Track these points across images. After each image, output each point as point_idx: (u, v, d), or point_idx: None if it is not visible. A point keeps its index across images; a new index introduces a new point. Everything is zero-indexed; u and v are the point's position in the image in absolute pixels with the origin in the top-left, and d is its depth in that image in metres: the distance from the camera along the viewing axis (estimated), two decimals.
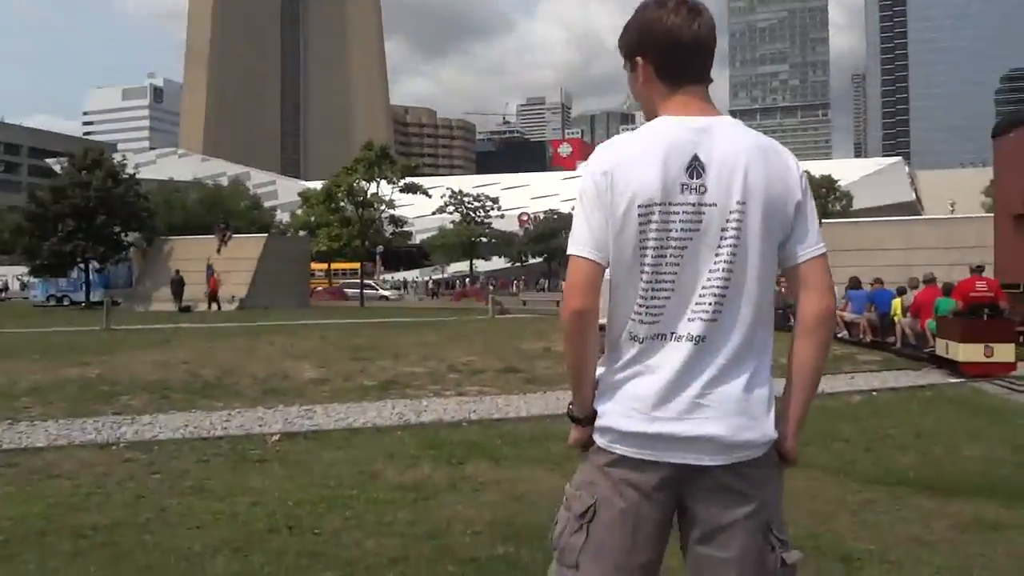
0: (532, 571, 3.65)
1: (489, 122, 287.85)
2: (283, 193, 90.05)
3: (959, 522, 4.48)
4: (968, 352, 10.92)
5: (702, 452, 1.70)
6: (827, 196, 53.54)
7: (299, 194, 54.62)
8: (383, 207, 43.73)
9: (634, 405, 1.74)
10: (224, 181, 71.12)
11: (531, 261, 72.84)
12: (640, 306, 1.75)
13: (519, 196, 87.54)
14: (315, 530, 4.23)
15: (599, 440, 1.79)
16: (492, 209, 66.50)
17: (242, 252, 32.13)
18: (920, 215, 60.42)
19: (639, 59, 1.84)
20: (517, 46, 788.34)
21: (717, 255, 1.71)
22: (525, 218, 78.80)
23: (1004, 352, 10.84)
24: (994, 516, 4.59)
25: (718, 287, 1.71)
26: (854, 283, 18.21)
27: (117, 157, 39.96)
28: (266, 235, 37.91)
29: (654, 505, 1.73)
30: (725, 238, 1.71)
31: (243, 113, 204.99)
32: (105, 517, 4.41)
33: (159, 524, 4.32)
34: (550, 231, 70.95)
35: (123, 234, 35.75)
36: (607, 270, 1.78)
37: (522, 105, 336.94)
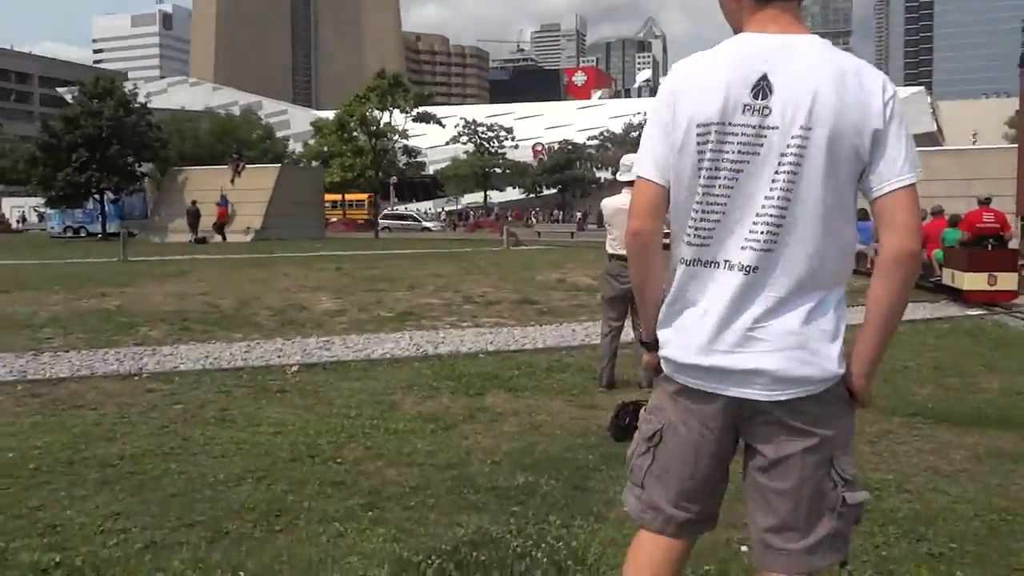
0: (551, 500, 3.69)
1: (503, 50, 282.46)
2: (295, 123, 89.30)
3: (976, 453, 4.49)
4: (973, 281, 11.45)
5: (755, 386, 1.69)
6: None
7: (311, 124, 54.12)
8: (396, 137, 43.33)
9: (690, 336, 1.74)
10: (236, 110, 70.43)
11: (546, 192, 72.36)
12: (690, 228, 1.72)
13: (533, 126, 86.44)
14: (336, 459, 4.28)
15: (664, 367, 1.82)
16: (506, 139, 65.80)
17: (255, 183, 31.97)
18: (942, 146, 59.42)
19: None
20: None
21: (774, 181, 1.65)
22: (539, 148, 77.96)
23: (1006, 281, 11.36)
24: (1011, 448, 4.60)
25: (773, 215, 1.66)
26: (862, 214, 17.57)
27: (128, 86, 39.57)
28: (279, 166, 37.68)
29: (714, 434, 1.77)
30: (783, 164, 1.65)
31: (254, 41, 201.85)
32: (130, 446, 4.48)
33: (183, 453, 4.38)
34: (565, 161, 70.37)
35: (136, 164, 35.62)
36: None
37: (536, 32, 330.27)
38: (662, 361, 1.82)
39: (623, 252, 6.05)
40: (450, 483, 3.92)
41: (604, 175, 68.71)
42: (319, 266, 16.92)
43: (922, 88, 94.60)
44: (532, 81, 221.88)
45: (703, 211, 1.70)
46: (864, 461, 4.31)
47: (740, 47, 1.71)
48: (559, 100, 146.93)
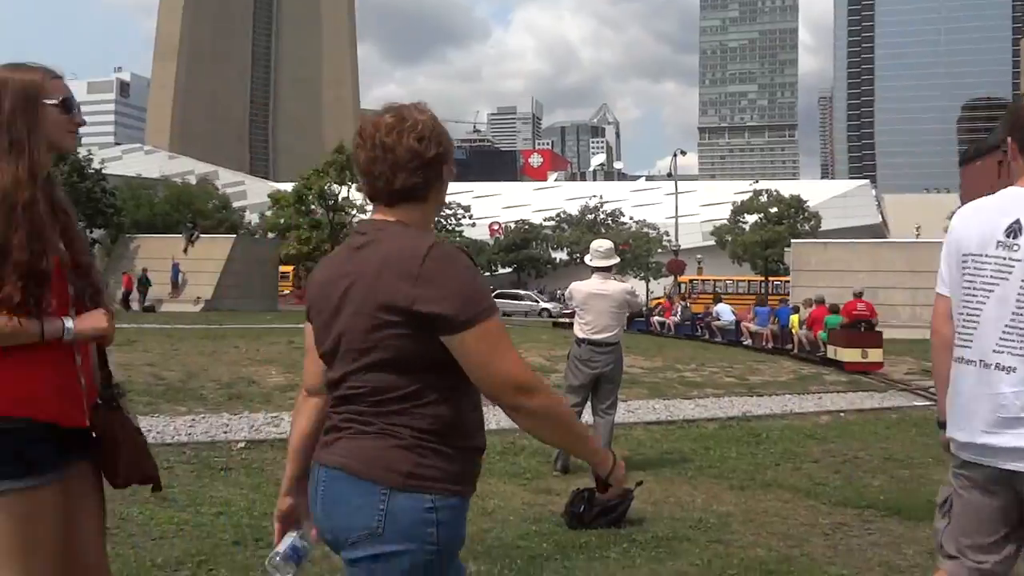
0: None
1: (460, 129, 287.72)
2: (252, 194, 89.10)
3: (929, 548, 4.46)
4: (850, 355, 14.59)
5: (1019, 459, 2.08)
6: (796, 216, 54.16)
7: (269, 195, 54.11)
8: (354, 211, 43.51)
9: (965, 419, 2.19)
10: (192, 179, 70.24)
11: (501, 271, 72.78)
12: (958, 334, 2.24)
13: (490, 205, 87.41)
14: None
15: (952, 445, 2.25)
16: (464, 217, 66.44)
17: (210, 253, 31.68)
18: (886, 238, 61.48)
19: (1009, 139, 2.29)
20: (490, 54, 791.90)
21: (1018, 300, 2.11)
22: (496, 227, 78.79)
23: (875, 355, 14.50)
24: (930, 540, 4.62)
25: (1020, 327, 2.11)
26: (760, 300, 25.11)
27: (83, 151, 39.26)
28: (234, 236, 37.47)
29: (992, 496, 2.16)
30: None
31: (212, 111, 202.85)
32: None
33: (120, 534, 4.18)
34: (521, 241, 71.04)
35: (88, 230, 35.11)
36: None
37: (493, 114, 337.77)
38: (949, 438, 2.26)
39: (595, 336, 6.07)
40: None
41: (560, 255, 69.57)
42: (271, 339, 16.66)
43: (867, 181, 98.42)
44: (489, 161, 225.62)
45: (964, 321, 2.22)
46: (819, 555, 4.30)
47: (1004, 195, 2.25)
48: (515, 180, 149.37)
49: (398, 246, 1.68)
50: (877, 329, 15.12)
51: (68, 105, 2.13)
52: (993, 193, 2.42)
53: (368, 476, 1.65)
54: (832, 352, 15.42)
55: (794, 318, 19.48)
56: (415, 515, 1.63)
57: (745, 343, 20.90)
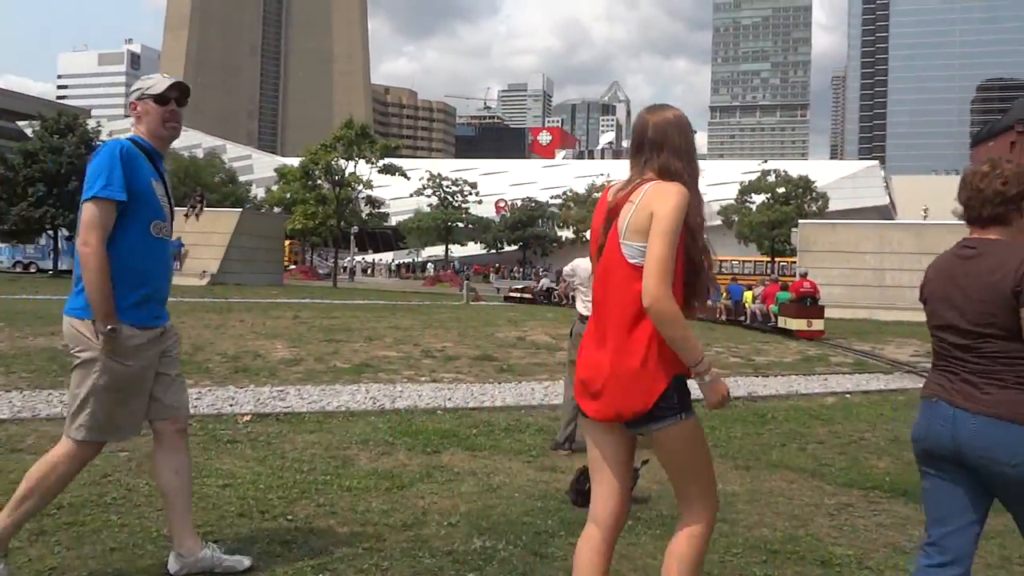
0: (509, 566, 3.59)
1: (470, 106, 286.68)
2: (259, 168, 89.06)
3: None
4: (798, 324, 17.82)
5: None
6: (804, 197, 53.83)
7: (275, 170, 54.02)
8: (360, 187, 43.40)
9: None
10: (200, 153, 70.14)
11: (507, 249, 72.69)
12: None
13: (497, 182, 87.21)
14: (287, 516, 4.14)
15: None
16: (470, 194, 66.21)
17: (215, 226, 31.67)
18: (894, 219, 61.13)
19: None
20: (501, 30, 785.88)
21: None
22: (503, 205, 78.60)
23: (817, 324, 17.80)
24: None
25: None
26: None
27: (92, 123, 39.23)
28: (240, 210, 37.43)
29: None
30: None
31: (221, 84, 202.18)
32: (69, 496, 4.27)
33: (126, 504, 4.20)
34: (527, 219, 70.90)
35: None
36: None
37: (503, 91, 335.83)
38: None
39: None
40: (405, 545, 3.80)
41: (566, 234, 69.38)
42: (276, 313, 16.70)
43: (876, 162, 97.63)
44: (498, 138, 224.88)
45: None
46: (824, 535, 4.29)
47: None
48: (524, 158, 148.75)
49: (1001, 258, 2.43)
50: (820, 304, 18.45)
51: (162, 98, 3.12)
52: None
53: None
54: (783, 322, 18.53)
55: (747, 294, 22.79)
56: None
57: (699, 316, 22.52)
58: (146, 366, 3.21)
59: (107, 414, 3.13)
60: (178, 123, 3.35)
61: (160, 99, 3.27)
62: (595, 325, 2.61)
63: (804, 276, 19.42)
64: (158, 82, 3.29)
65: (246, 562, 3.41)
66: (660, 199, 2.40)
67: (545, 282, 34.14)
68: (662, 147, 2.50)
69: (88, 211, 3.06)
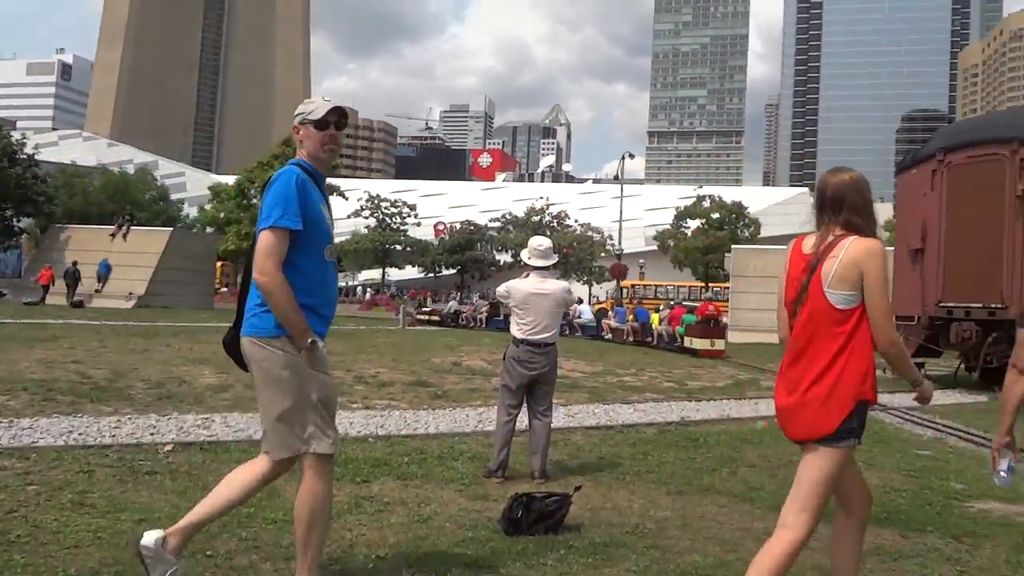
0: None
1: (411, 126, 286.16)
2: (192, 186, 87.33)
3: (860, 551, 4.54)
4: (702, 343, 19.37)
5: None
6: (737, 222, 55.07)
7: (209, 188, 53.01)
8: None
9: None
10: (131, 169, 68.38)
11: (445, 272, 72.49)
12: None
13: (437, 204, 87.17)
14: (207, 552, 3.98)
15: None
16: (409, 216, 66.01)
17: (143, 246, 30.87)
18: None
19: None
20: (445, 49, 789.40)
21: None
22: (441, 227, 78.52)
23: (719, 344, 19.56)
24: (891, 544, 4.71)
25: None
26: (617, 302, 35.47)
27: (16, 135, 37.87)
28: (170, 230, 36.56)
29: None
30: None
31: (156, 98, 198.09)
32: None
33: (32, 542, 3.98)
34: (466, 242, 70.81)
35: (15, 219, 33.92)
36: None
37: (445, 111, 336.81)
38: None
39: (533, 337, 6.03)
40: None
41: (504, 257, 69.56)
42: (205, 337, 16.28)
43: (806, 189, 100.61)
44: (438, 159, 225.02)
45: None
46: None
47: None
48: (464, 180, 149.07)
49: None
50: (722, 325, 20.82)
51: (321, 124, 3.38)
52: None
53: None
54: (688, 342, 20.23)
55: (654, 316, 24.71)
56: None
57: (606, 337, 25.34)
58: (330, 375, 3.40)
59: (327, 423, 3.29)
60: (337, 146, 3.48)
61: (319, 124, 3.39)
62: (792, 356, 3.06)
63: (710, 300, 22.66)
64: (318, 107, 3.42)
65: None
66: (870, 259, 2.93)
67: (453, 304, 34.87)
68: (841, 206, 3.04)
69: (266, 240, 3.18)
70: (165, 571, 3.22)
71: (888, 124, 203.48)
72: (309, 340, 3.18)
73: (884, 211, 72.24)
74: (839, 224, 3.02)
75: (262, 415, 3.35)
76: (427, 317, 33.08)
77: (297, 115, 3.44)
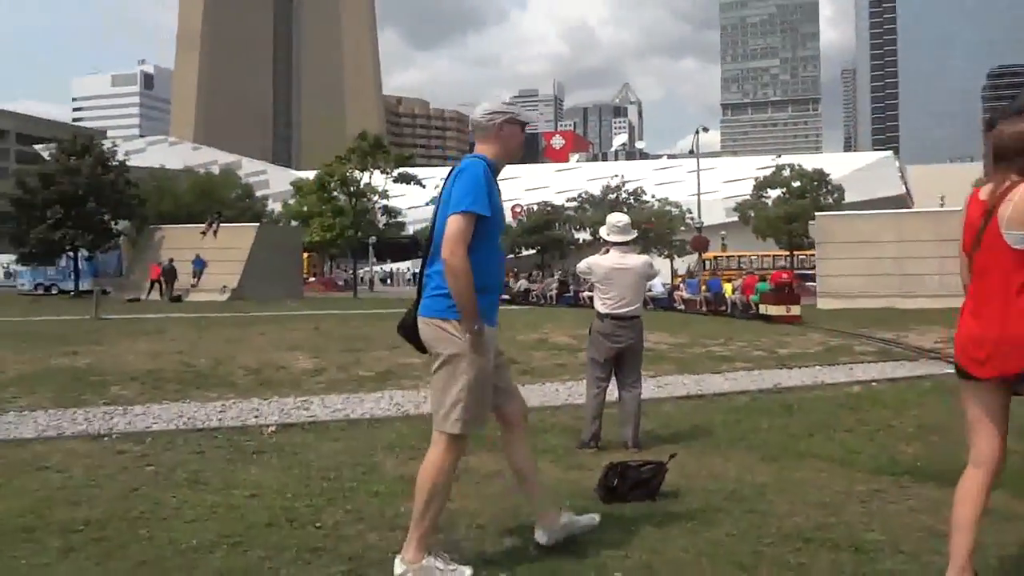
0: (538, 566, 3.55)
1: None
2: (275, 182, 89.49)
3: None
4: (777, 310, 19.93)
5: None
6: (819, 190, 53.43)
7: (291, 183, 54.26)
8: (376, 197, 43.51)
9: None
10: (215, 170, 70.50)
11: (524, 253, 72.54)
12: None
13: (513, 188, 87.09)
14: (316, 523, 4.11)
15: None
16: None
17: (233, 242, 31.88)
18: (910, 208, 60.53)
19: None
20: (510, 38, 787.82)
21: None
22: (519, 210, 78.48)
23: (795, 309, 19.98)
24: (1004, 506, 4.51)
25: None
26: (689, 274, 36.31)
27: (107, 144, 39.55)
28: (258, 224, 37.63)
29: None
30: None
31: (235, 100, 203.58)
32: (97, 511, 4.28)
33: (154, 518, 4.19)
34: (544, 223, 70.57)
35: (113, 222, 35.42)
36: None
37: (515, 97, 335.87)
38: None
39: (618, 311, 6.02)
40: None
41: (583, 236, 69.16)
42: (296, 325, 16.74)
43: (890, 152, 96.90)
44: None
45: None
46: (855, 521, 4.22)
47: None
48: (537, 163, 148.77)
49: None
50: (796, 291, 21.07)
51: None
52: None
53: None
54: (764, 309, 20.74)
55: (727, 285, 25.01)
56: None
57: (679, 308, 25.93)
58: (491, 359, 3.53)
59: (478, 406, 3.45)
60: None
61: (522, 126, 3.71)
62: (973, 299, 3.16)
63: (783, 269, 22.74)
64: (521, 112, 3.76)
65: (597, 518, 3.91)
66: None
67: (523, 283, 34.82)
68: (1019, 153, 3.09)
69: (456, 224, 3.36)
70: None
71: (973, 82, 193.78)
72: (476, 326, 3.34)
73: (975, 171, 69.04)
74: (1015, 170, 3.09)
75: (431, 394, 3.51)
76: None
77: (499, 113, 3.65)
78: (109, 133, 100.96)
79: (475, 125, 3.68)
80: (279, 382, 9.06)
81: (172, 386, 8.60)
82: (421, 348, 3.55)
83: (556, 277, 37.90)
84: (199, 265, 30.54)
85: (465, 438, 3.49)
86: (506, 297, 32.48)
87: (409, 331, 3.60)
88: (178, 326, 16.45)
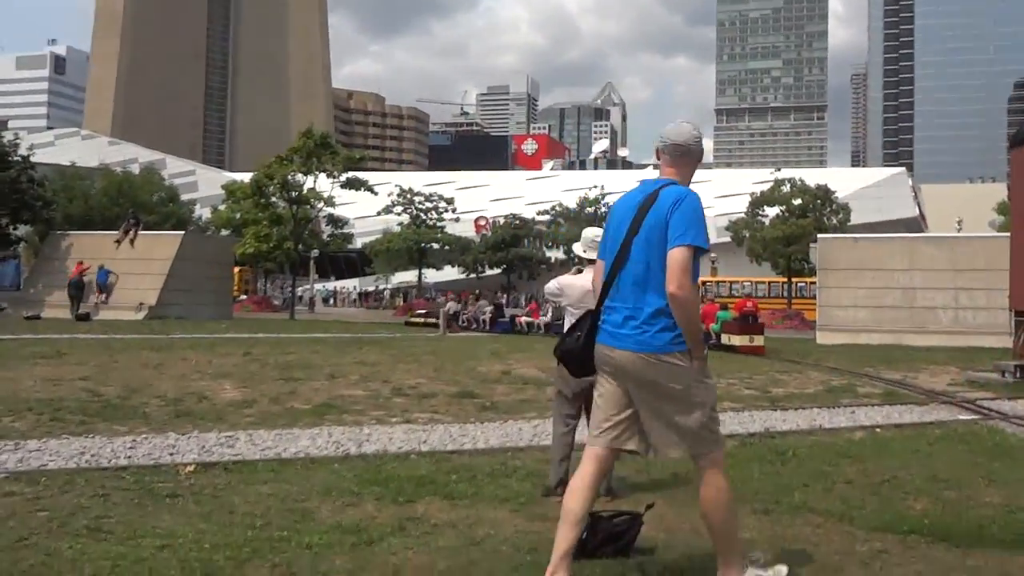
0: None
1: (445, 112, 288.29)
2: (204, 185, 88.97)
3: None
4: (741, 340, 21.29)
5: None
6: (823, 208, 54.26)
7: (223, 186, 54.00)
8: (321, 204, 43.37)
9: None
10: (135, 168, 69.90)
11: (488, 272, 72.62)
12: None
13: (477, 197, 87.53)
14: None
15: None
16: (446, 211, 66.24)
17: (153, 252, 31.51)
18: (924, 232, 61.69)
19: None
20: (479, 26, 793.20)
21: None
22: (483, 222, 78.75)
23: (758, 340, 21.18)
24: (1019, 572, 4.60)
25: None
26: None
27: (8, 136, 38.97)
28: (182, 233, 37.28)
29: None
30: None
31: (160, 91, 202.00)
32: None
33: (47, 572, 4.12)
34: (511, 238, 70.76)
35: (11, 227, 34.88)
36: None
37: (483, 94, 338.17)
38: None
39: None
40: None
41: (555, 254, 69.46)
42: (224, 350, 16.59)
43: (903, 169, 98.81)
44: (477, 147, 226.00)
45: None
46: None
47: None
48: (506, 169, 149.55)
49: None
50: (760, 321, 22.42)
51: None
52: None
53: None
54: (726, 339, 22.02)
55: None
56: None
57: None
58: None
59: (719, 423, 4.10)
60: None
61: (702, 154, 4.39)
62: None
63: (747, 297, 24.86)
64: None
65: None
66: None
67: (451, 305, 35.18)
68: None
69: (684, 256, 3.84)
70: None
71: (997, 92, 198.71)
72: (705, 352, 3.94)
73: (996, 193, 70.60)
74: None
75: (668, 427, 3.95)
76: (422, 320, 33.91)
77: (694, 140, 4.33)
78: (11, 123, 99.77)
79: (679, 148, 4.23)
80: (200, 414, 8.97)
81: (75, 417, 8.47)
82: (579, 374, 4.27)
83: (488, 300, 38.55)
84: (102, 278, 30.11)
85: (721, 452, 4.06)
86: (432, 321, 32.87)
87: (578, 358, 4.18)
88: (85, 349, 16.22)
